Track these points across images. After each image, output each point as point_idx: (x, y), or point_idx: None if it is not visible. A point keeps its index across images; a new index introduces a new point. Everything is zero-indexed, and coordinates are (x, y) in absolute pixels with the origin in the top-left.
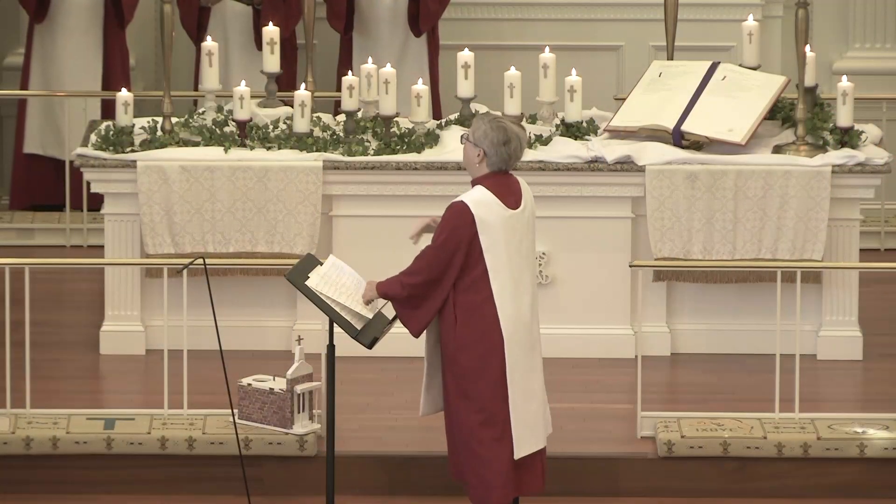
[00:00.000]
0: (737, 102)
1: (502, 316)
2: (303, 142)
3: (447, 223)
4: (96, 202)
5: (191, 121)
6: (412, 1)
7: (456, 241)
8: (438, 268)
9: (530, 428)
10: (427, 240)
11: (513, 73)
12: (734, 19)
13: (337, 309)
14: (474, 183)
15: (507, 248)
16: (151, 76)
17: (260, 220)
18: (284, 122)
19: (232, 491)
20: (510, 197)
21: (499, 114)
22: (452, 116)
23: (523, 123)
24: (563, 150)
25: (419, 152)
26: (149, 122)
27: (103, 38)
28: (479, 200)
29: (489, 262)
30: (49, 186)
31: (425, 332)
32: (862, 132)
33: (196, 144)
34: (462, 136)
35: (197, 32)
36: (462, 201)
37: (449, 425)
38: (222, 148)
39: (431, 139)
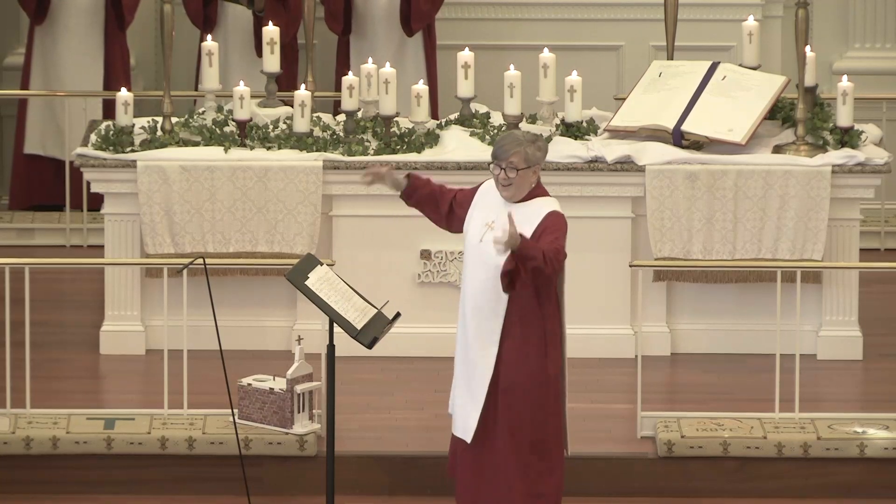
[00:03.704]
0: (737, 102)
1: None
2: (303, 142)
3: (564, 230)
4: (96, 202)
5: (191, 121)
6: (404, 1)
7: None
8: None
9: None
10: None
11: (513, 73)
12: (734, 19)
13: (337, 308)
14: (533, 196)
15: None
16: (151, 76)
17: (260, 220)
18: (284, 122)
19: (232, 491)
20: None
21: (513, 131)
22: (452, 116)
23: (523, 123)
24: (563, 150)
25: (419, 152)
26: (149, 122)
27: (104, 38)
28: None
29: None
30: (49, 186)
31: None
32: (862, 132)
33: (196, 144)
34: (507, 172)
35: (204, 24)
36: (560, 211)
37: (526, 456)
38: (222, 148)
39: (431, 139)
